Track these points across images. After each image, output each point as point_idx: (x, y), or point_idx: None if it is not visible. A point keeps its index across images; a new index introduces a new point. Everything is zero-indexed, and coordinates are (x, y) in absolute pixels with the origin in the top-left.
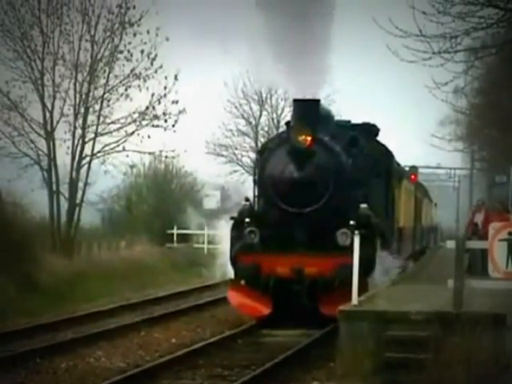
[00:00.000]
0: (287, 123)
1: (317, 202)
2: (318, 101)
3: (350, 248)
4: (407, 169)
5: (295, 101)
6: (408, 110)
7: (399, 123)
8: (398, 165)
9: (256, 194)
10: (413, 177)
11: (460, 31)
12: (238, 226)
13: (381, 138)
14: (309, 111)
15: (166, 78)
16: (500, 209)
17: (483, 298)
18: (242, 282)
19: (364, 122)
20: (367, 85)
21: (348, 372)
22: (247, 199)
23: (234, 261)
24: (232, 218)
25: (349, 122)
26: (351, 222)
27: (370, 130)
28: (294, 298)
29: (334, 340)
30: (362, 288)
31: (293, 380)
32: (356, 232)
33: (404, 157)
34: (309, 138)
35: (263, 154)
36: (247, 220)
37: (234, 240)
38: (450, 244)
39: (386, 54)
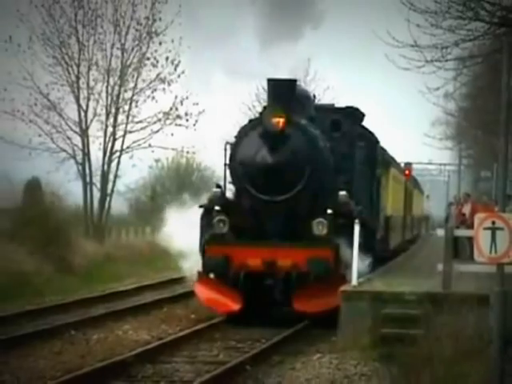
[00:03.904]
0: (265, 107)
1: (291, 189)
2: (294, 81)
3: (327, 238)
4: (402, 165)
5: (269, 80)
6: (403, 112)
7: (395, 123)
8: (385, 151)
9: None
10: (407, 171)
11: (450, 42)
12: (207, 215)
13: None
14: (283, 91)
15: (188, 81)
16: (487, 201)
17: (469, 280)
18: (211, 276)
19: (347, 106)
20: (366, 89)
21: (348, 345)
22: (218, 186)
23: (202, 252)
24: (201, 206)
25: (332, 105)
26: (328, 211)
27: (354, 114)
28: (267, 293)
29: (335, 318)
30: (340, 282)
31: (298, 352)
32: (356, 220)
33: (399, 153)
34: (282, 120)
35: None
36: (217, 208)
37: (203, 229)
38: (440, 232)
39: (384, 62)
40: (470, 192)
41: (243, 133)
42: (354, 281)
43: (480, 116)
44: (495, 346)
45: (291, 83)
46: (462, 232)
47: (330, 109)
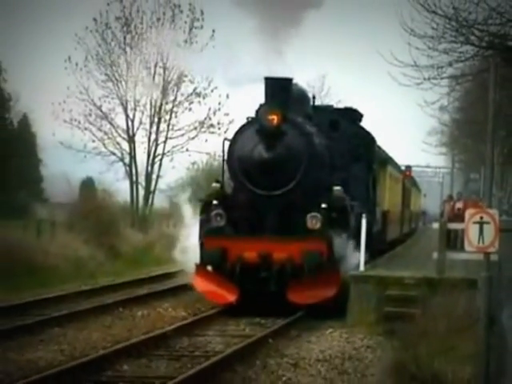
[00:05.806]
0: (261, 105)
1: (287, 184)
2: (289, 79)
3: (320, 232)
4: (403, 167)
5: (266, 79)
6: (404, 123)
7: (398, 133)
8: (381, 150)
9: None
10: (408, 173)
11: (445, 63)
12: (206, 209)
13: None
14: (279, 90)
15: (219, 96)
16: (475, 199)
17: (460, 266)
18: (209, 268)
19: (346, 107)
20: (370, 102)
21: (356, 322)
22: (217, 181)
23: (200, 245)
24: (200, 201)
25: (331, 106)
26: (323, 205)
27: (352, 114)
28: (262, 285)
29: (345, 299)
30: (334, 277)
31: (313, 328)
32: (363, 215)
33: (401, 158)
34: (278, 117)
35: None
36: (215, 202)
37: (202, 223)
38: (435, 225)
39: (387, 80)
40: (461, 191)
41: (241, 130)
42: (362, 267)
43: (470, 126)
44: (482, 324)
45: (287, 82)
46: (454, 225)
47: (330, 109)
